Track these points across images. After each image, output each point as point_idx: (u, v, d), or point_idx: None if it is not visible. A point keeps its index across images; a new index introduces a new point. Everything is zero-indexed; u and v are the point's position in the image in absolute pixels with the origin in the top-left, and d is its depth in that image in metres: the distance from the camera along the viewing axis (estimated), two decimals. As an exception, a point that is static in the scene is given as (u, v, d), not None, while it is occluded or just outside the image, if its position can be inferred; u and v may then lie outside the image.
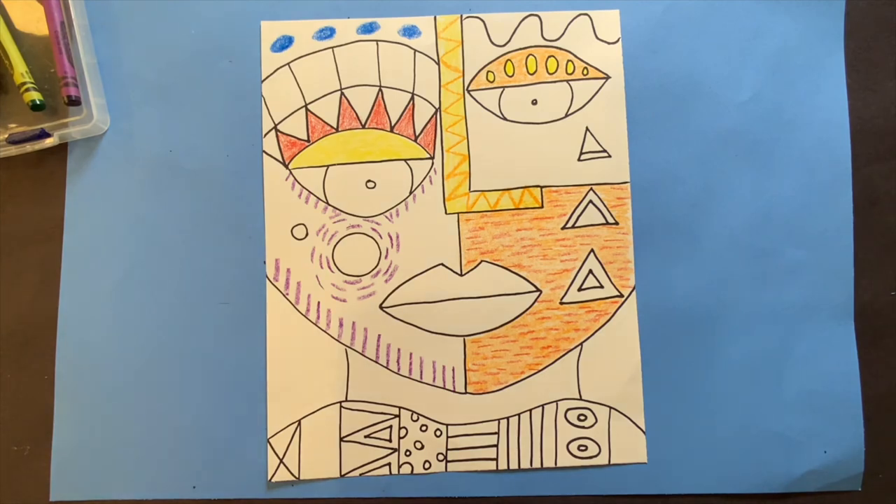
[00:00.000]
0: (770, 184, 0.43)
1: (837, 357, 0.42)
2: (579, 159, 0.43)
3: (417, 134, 0.43)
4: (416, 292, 0.42)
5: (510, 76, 0.43)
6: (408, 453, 0.42)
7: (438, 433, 0.42)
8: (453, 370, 0.42)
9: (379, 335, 0.42)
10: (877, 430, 0.42)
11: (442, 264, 0.43)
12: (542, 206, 0.43)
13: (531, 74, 0.43)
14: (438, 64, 0.43)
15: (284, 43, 0.43)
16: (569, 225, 0.43)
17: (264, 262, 0.42)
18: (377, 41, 0.43)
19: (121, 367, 0.42)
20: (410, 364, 0.42)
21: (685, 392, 0.42)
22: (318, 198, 0.43)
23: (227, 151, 0.43)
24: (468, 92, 0.43)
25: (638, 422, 0.42)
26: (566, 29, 0.43)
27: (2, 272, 0.42)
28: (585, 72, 0.43)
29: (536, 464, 0.42)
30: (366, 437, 0.42)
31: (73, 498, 0.41)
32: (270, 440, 0.41)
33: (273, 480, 0.41)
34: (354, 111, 0.43)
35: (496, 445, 0.42)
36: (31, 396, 0.41)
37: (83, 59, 0.41)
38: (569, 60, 0.43)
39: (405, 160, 0.43)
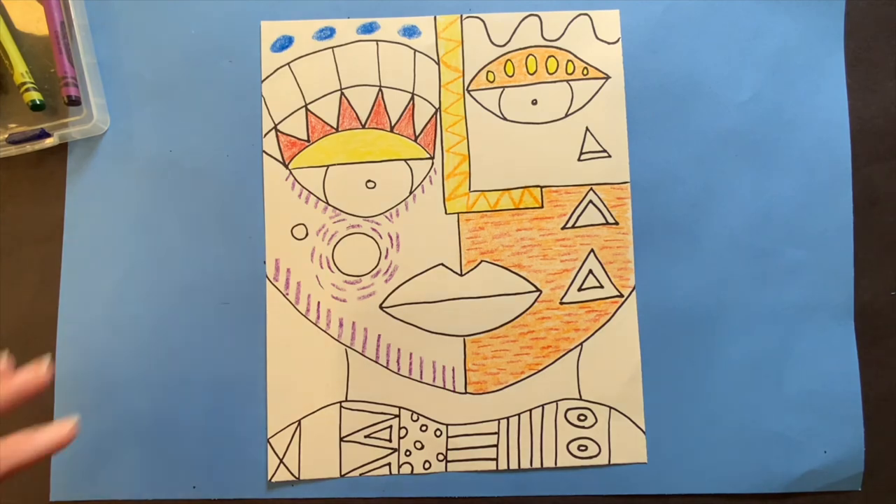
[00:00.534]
0: (770, 184, 0.43)
1: (837, 357, 0.42)
2: (579, 159, 0.43)
3: (417, 134, 0.43)
4: (416, 292, 0.42)
5: (510, 76, 0.43)
6: (408, 453, 0.42)
7: (438, 433, 0.42)
8: (453, 370, 0.42)
9: (379, 335, 0.42)
10: (877, 430, 0.42)
11: (442, 264, 0.43)
12: (542, 206, 0.43)
13: (531, 74, 0.43)
14: (438, 64, 0.43)
15: (284, 43, 0.43)
16: (569, 225, 0.43)
17: (264, 262, 0.42)
18: (377, 41, 0.43)
19: (120, 367, 0.42)
20: (410, 364, 0.42)
21: (685, 392, 0.42)
22: (318, 198, 0.43)
23: (227, 151, 0.43)
24: (468, 92, 0.43)
25: (638, 422, 0.42)
26: (566, 29, 0.43)
27: (2, 272, 0.42)
28: (585, 72, 0.43)
29: (536, 464, 0.42)
30: (366, 437, 0.42)
31: (73, 498, 0.41)
32: (270, 440, 0.41)
33: (273, 480, 0.41)
34: (354, 111, 0.43)
35: (496, 445, 0.42)
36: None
37: (83, 59, 0.41)
38: (569, 60, 0.43)
39: (405, 160, 0.43)
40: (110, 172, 0.43)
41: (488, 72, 0.43)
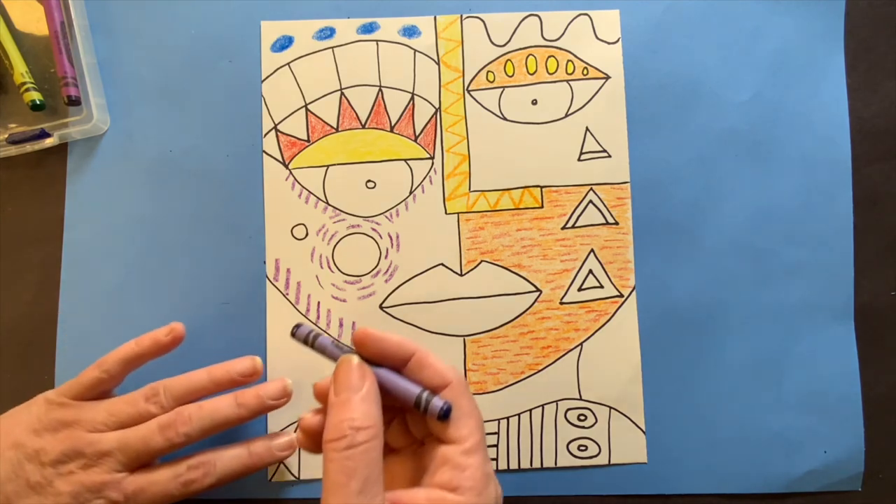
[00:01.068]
0: (770, 184, 0.43)
1: (837, 357, 0.42)
2: (579, 159, 0.43)
3: (417, 134, 0.43)
4: (416, 292, 0.42)
5: (510, 76, 0.43)
6: (408, 453, 0.42)
7: (438, 433, 0.42)
8: (453, 370, 0.42)
9: (379, 335, 0.42)
10: (877, 430, 0.42)
11: (442, 264, 0.43)
12: (542, 206, 0.43)
13: (531, 74, 0.43)
14: (438, 64, 0.43)
15: (284, 43, 0.43)
16: (569, 225, 0.43)
17: (264, 262, 0.42)
18: (377, 41, 0.43)
19: (121, 367, 0.42)
20: None
21: (685, 392, 0.42)
22: (318, 198, 0.43)
23: (227, 151, 0.43)
24: (468, 92, 0.43)
25: (638, 422, 0.42)
26: (566, 29, 0.43)
27: (2, 272, 0.42)
28: (585, 72, 0.43)
29: (536, 464, 0.42)
30: (366, 437, 0.42)
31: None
32: (270, 440, 0.41)
33: (273, 480, 0.41)
34: (354, 111, 0.43)
35: (496, 445, 0.42)
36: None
37: (83, 59, 0.41)
38: (569, 60, 0.43)
39: (405, 160, 0.43)
40: (110, 172, 0.43)
41: (488, 72, 0.43)
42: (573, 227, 0.43)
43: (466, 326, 0.42)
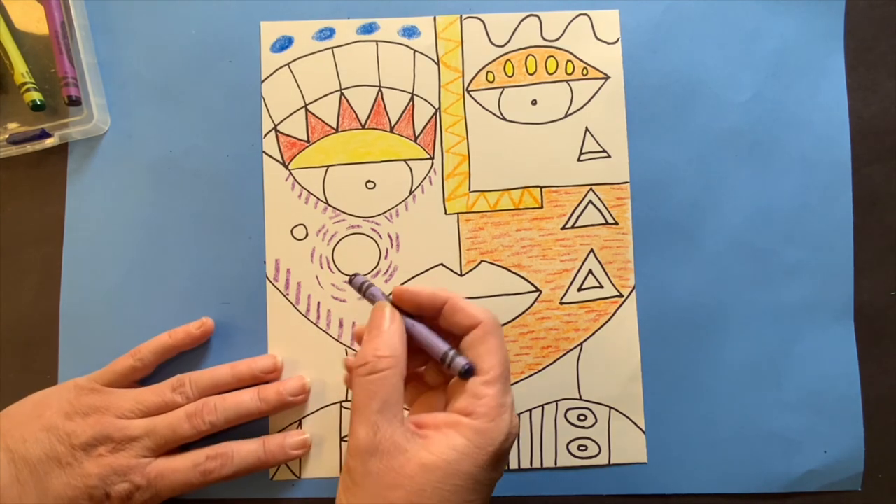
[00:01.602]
0: (770, 184, 0.43)
1: (837, 357, 0.42)
2: (579, 159, 0.43)
3: (417, 134, 0.43)
4: (416, 292, 0.42)
5: (510, 76, 0.43)
6: (408, 453, 0.42)
7: (438, 433, 0.42)
8: (453, 370, 0.42)
9: (379, 335, 0.42)
10: (877, 430, 0.42)
11: (442, 264, 0.43)
12: (541, 207, 0.43)
13: (531, 75, 0.43)
14: (438, 64, 0.43)
15: (284, 43, 0.43)
16: (568, 225, 0.43)
17: (264, 263, 0.42)
18: (377, 41, 0.43)
19: (121, 367, 0.42)
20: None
21: (685, 392, 0.42)
22: (317, 198, 0.43)
23: (227, 152, 0.43)
24: (468, 92, 0.43)
25: (638, 422, 0.42)
26: (566, 29, 0.43)
27: (3, 272, 0.42)
28: (585, 72, 0.43)
29: (536, 464, 0.42)
30: (366, 436, 0.42)
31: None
32: (270, 440, 0.41)
33: (274, 479, 0.41)
34: (354, 111, 0.43)
35: (496, 445, 0.42)
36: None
37: (83, 60, 0.42)
38: (568, 60, 0.43)
39: (405, 160, 0.43)
40: (111, 172, 0.43)
41: (488, 72, 0.43)
42: (573, 227, 0.43)
43: (466, 326, 0.42)
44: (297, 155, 0.43)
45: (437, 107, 0.43)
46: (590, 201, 0.43)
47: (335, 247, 0.43)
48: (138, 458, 0.37)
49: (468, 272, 0.43)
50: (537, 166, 0.43)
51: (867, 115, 0.43)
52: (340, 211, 0.43)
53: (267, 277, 0.42)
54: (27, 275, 0.42)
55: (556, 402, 0.42)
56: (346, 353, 0.42)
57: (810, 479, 0.42)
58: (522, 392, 0.42)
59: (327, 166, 0.43)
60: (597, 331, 0.42)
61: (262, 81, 0.43)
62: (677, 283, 0.43)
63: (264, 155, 0.43)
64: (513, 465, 0.42)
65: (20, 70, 0.41)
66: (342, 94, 0.43)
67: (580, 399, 0.42)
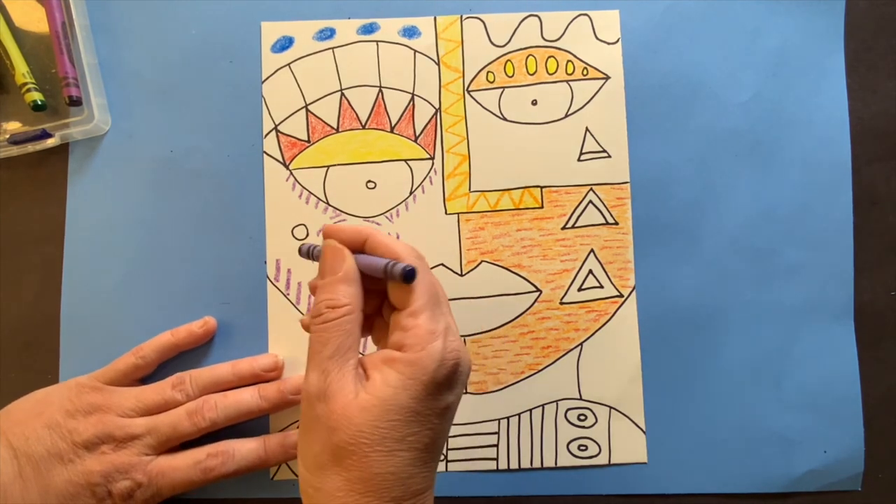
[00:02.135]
0: (770, 184, 0.43)
1: (837, 357, 0.42)
2: (579, 159, 0.43)
3: (417, 134, 0.43)
4: (417, 292, 0.42)
5: (510, 76, 0.43)
6: (408, 453, 0.42)
7: (438, 433, 0.42)
8: (453, 370, 0.42)
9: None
10: (877, 430, 0.42)
11: (442, 264, 0.43)
12: (542, 207, 0.43)
13: (531, 75, 0.43)
14: (438, 64, 0.43)
15: (285, 43, 0.43)
16: (569, 225, 0.43)
17: (265, 263, 0.43)
18: (377, 42, 0.43)
19: (122, 366, 0.42)
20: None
21: (685, 392, 0.42)
22: (318, 198, 0.43)
23: (227, 152, 0.43)
24: (468, 92, 0.43)
25: (638, 422, 0.42)
26: (566, 29, 0.43)
27: (4, 272, 0.42)
28: (585, 72, 0.43)
29: (536, 464, 0.42)
30: (366, 436, 0.42)
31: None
32: (271, 440, 0.42)
33: (275, 479, 0.41)
34: (355, 112, 0.43)
35: (496, 445, 0.42)
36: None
37: (84, 60, 0.42)
38: (568, 61, 0.43)
39: (405, 160, 0.43)
40: (111, 173, 0.43)
41: (488, 72, 0.43)
42: (573, 227, 0.43)
43: (467, 326, 0.42)
44: (297, 155, 0.43)
45: (437, 107, 0.43)
46: (590, 201, 0.43)
47: (335, 247, 0.43)
48: (140, 456, 0.37)
49: (468, 272, 0.43)
50: (537, 166, 0.43)
51: (867, 116, 0.43)
52: (341, 211, 0.43)
53: (267, 277, 0.42)
54: (28, 275, 0.42)
55: (556, 401, 0.42)
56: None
57: (810, 479, 0.42)
58: (523, 392, 0.42)
59: (328, 166, 0.43)
60: (597, 331, 0.42)
61: (263, 81, 0.43)
62: (677, 283, 0.43)
63: (265, 155, 0.43)
64: (513, 465, 0.42)
65: (21, 70, 0.41)
66: (342, 94, 0.43)
67: (580, 399, 0.42)
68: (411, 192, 0.43)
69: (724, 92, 0.43)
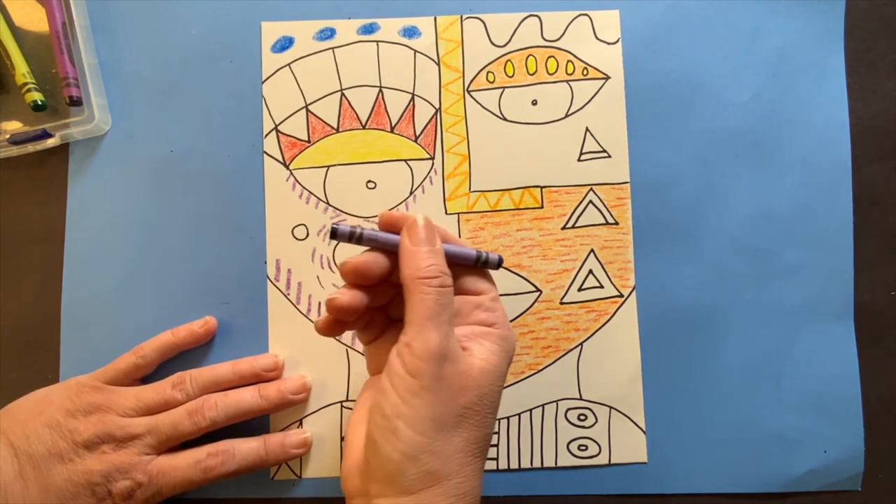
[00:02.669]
0: (770, 184, 0.43)
1: (837, 357, 0.42)
2: (579, 159, 0.43)
3: (418, 134, 0.43)
4: (417, 292, 0.42)
5: (510, 76, 0.43)
6: (408, 453, 0.42)
7: (439, 433, 0.42)
8: (453, 370, 0.42)
9: (379, 335, 0.42)
10: (877, 430, 0.42)
11: (442, 264, 0.43)
12: (542, 207, 0.43)
13: (531, 75, 0.43)
14: (438, 64, 0.43)
15: (285, 44, 0.43)
16: (569, 225, 0.43)
17: (265, 263, 0.43)
18: (377, 42, 0.43)
19: (122, 366, 0.42)
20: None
21: (685, 392, 0.42)
22: (318, 198, 0.43)
23: (227, 152, 0.43)
24: (468, 92, 0.43)
25: (638, 422, 0.42)
26: (566, 29, 0.43)
27: (4, 272, 0.42)
28: (585, 72, 0.43)
29: (536, 464, 0.42)
30: (366, 436, 0.42)
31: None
32: (271, 440, 0.42)
33: (275, 479, 0.41)
34: (355, 112, 0.43)
35: (496, 445, 0.42)
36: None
37: (84, 60, 0.42)
38: (569, 61, 0.43)
39: (405, 160, 0.43)
40: (112, 173, 0.43)
41: (488, 72, 0.43)
42: (573, 227, 0.43)
43: (467, 326, 0.42)
44: (297, 155, 0.43)
45: (437, 107, 0.43)
46: (590, 201, 0.43)
47: (336, 247, 0.43)
48: (140, 456, 0.37)
49: (468, 272, 0.43)
50: (537, 166, 0.43)
51: (867, 116, 0.43)
52: (341, 211, 0.43)
53: (268, 277, 0.42)
54: (28, 275, 0.42)
55: (556, 401, 0.42)
56: (347, 353, 0.42)
57: (810, 479, 0.42)
58: (523, 392, 0.42)
59: (328, 166, 0.43)
60: (597, 331, 0.42)
61: (263, 82, 0.43)
62: (677, 283, 0.43)
63: (265, 155, 0.43)
64: (513, 464, 0.42)
65: (21, 70, 0.42)
66: (343, 94, 0.43)
67: (580, 399, 0.42)
68: (411, 193, 0.43)
69: (724, 92, 0.43)
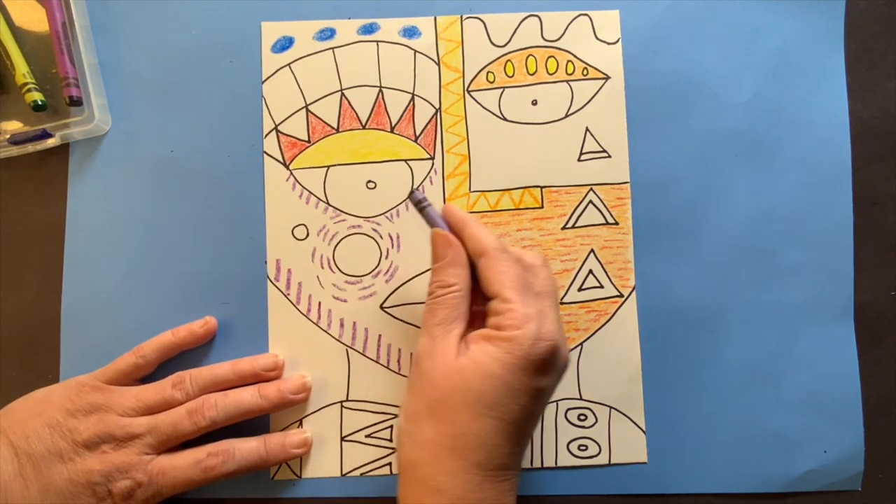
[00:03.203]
0: (770, 184, 0.43)
1: (837, 357, 0.42)
2: (579, 159, 0.43)
3: (418, 134, 0.43)
4: (417, 292, 0.42)
5: (510, 76, 0.43)
6: (408, 453, 0.42)
7: (439, 433, 0.42)
8: (453, 370, 0.42)
9: (379, 335, 0.42)
10: (877, 430, 0.42)
11: (442, 264, 0.43)
12: (542, 207, 0.43)
13: (531, 75, 0.43)
14: (438, 64, 0.43)
15: (285, 44, 0.43)
16: (569, 225, 0.43)
17: (265, 263, 0.43)
18: (377, 42, 0.43)
19: (122, 366, 0.42)
20: (411, 364, 0.42)
21: (685, 392, 0.42)
22: (318, 198, 0.43)
23: (227, 152, 0.43)
24: (468, 92, 0.43)
25: (638, 422, 0.42)
26: (566, 29, 0.43)
27: (4, 272, 0.42)
28: (585, 72, 0.43)
29: (536, 464, 0.42)
30: (366, 436, 0.42)
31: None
32: (271, 440, 0.42)
33: (275, 479, 0.41)
34: (355, 112, 0.43)
35: (496, 445, 0.42)
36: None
37: (84, 60, 0.42)
38: (569, 61, 0.43)
39: (405, 160, 0.43)
40: (112, 173, 0.43)
41: (488, 72, 0.43)
42: (573, 227, 0.43)
43: (467, 326, 0.42)
44: (297, 155, 0.43)
45: (437, 107, 0.43)
46: (590, 201, 0.43)
47: (336, 247, 0.43)
48: (140, 455, 0.37)
49: (468, 272, 0.43)
50: (537, 166, 0.43)
51: (867, 116, 0.43)
52: (341, 211, 0.43)
53: (268, 277, 0.42)
54: (28, 275, 0.42)
55: (556, 401, 0.42)
56: (347, 353, 0.42)
57: (810, 479, 0.42)
58: (523, 392, 0.42)
59: (328, 166, 0.43)
60: (597, 331, 0.42)
61: (263, 82, 0.43)
62: (677, 283, 0.43)
63: (265, 155, 0.43)
64: (513, 464, 0.42)
65: (21, 70, 0.42)
66: (343, 94, 0.43)
67: (580, 399, 0.42)
68: (411, 192, 0.43)
69: (724, 92, 0.43)
